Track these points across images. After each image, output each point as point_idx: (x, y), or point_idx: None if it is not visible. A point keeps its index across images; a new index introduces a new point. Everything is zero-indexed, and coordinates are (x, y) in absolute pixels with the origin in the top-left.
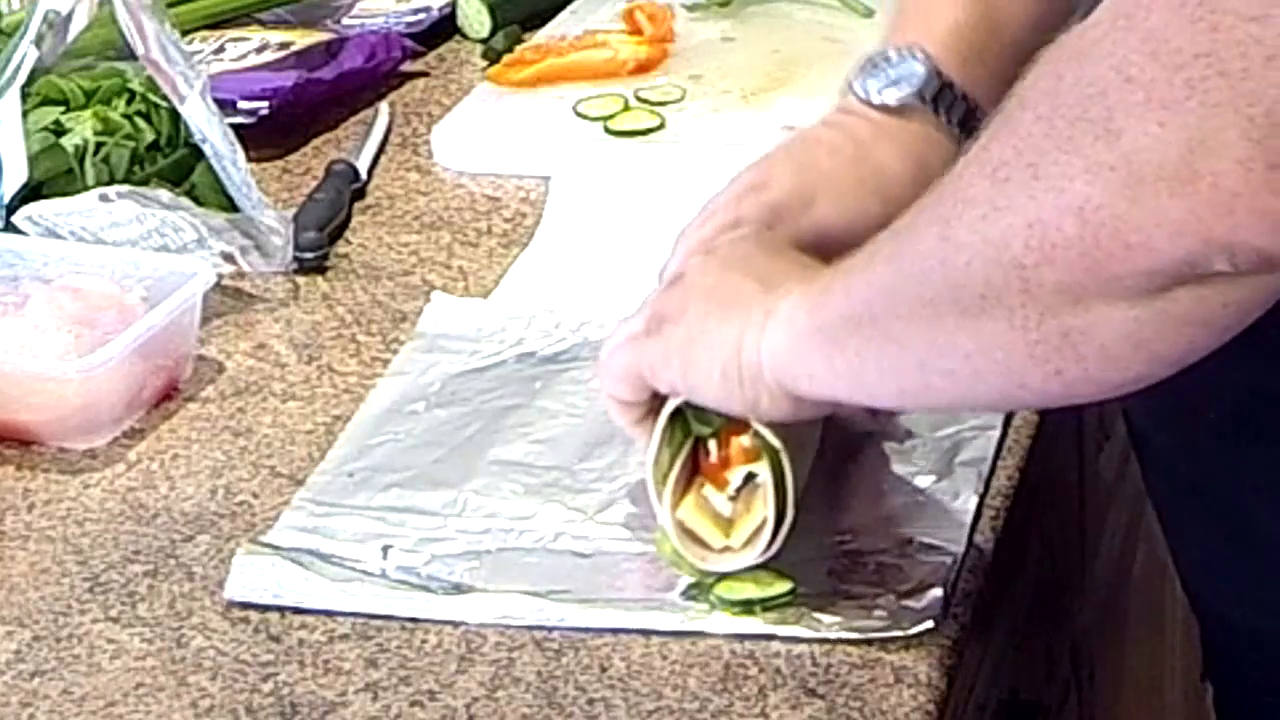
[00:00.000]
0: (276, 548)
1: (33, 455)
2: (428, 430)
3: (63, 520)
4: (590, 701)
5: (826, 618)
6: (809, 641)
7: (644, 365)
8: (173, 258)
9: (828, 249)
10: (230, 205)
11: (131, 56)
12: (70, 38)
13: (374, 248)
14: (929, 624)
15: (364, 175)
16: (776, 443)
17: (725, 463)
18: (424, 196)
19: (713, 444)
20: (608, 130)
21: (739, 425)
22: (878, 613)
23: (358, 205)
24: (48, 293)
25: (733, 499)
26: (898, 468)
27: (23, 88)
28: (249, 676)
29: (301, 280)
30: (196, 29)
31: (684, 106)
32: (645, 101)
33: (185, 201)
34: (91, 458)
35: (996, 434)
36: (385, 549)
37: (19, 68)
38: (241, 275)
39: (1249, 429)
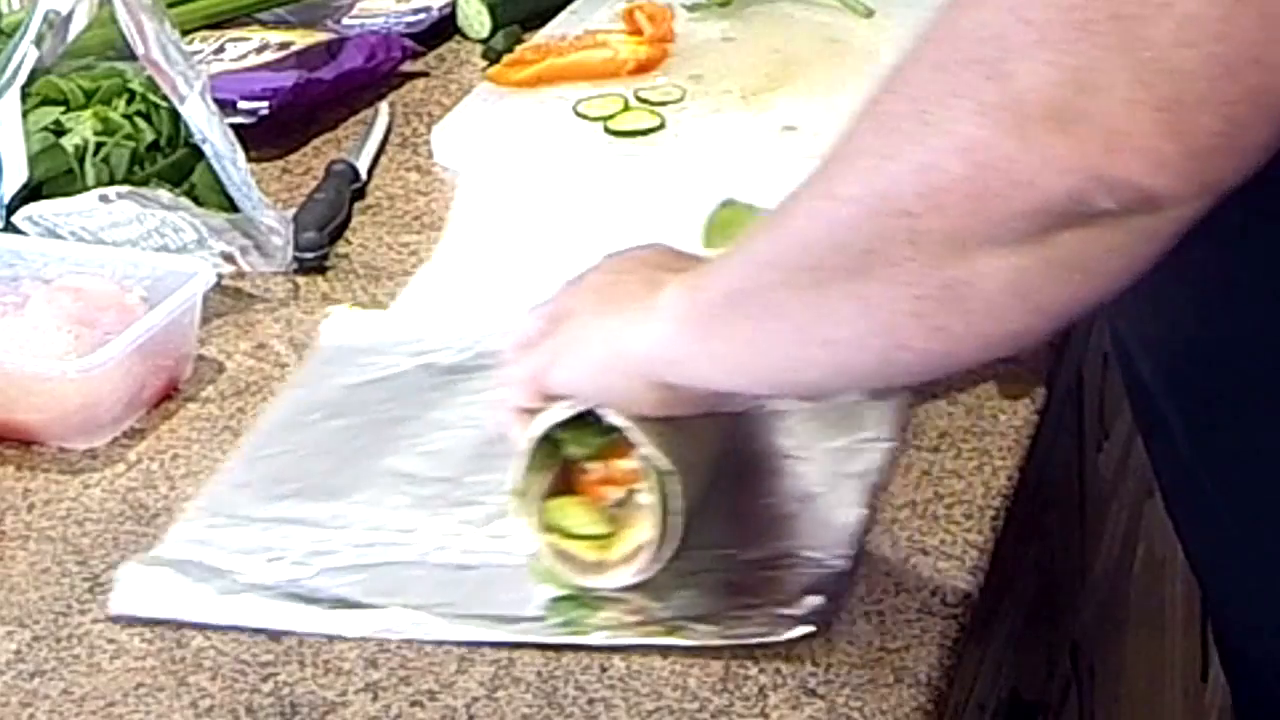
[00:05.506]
0: (165, 560)
1: (33, 455)
2: (322, 441)
3: (63, 520)
4: (590, 701)
5: (703, 627)
6: (807, 640)
7: (536, 367)
8: (173, 258)
9: None
10: (230, 205)
11: (131, 56)
12: (70, 38)
13: (374, 248)
14: (808, 629)
15: (364, 175)
16: (664, 464)
17: (607, 481)
18: (424, 196)
19: (594, 465)
20: (608, 130)
21: (622, 446)
22: (756, 621)
23: (358, 205)
24: (48, 293)
25: (612, 517)
26: (786, 480)
27: (23, 88)
28: (249, 676)
29: (301, 280)
30: (196, 29)
31: (684, 106)
32: (645, 101)
33: (185, 201)
34: (91, 458)
35: (888, 445)
36: (272, 561)
37: (19, 68)
38: (241, 275)
39: (1249, 397)
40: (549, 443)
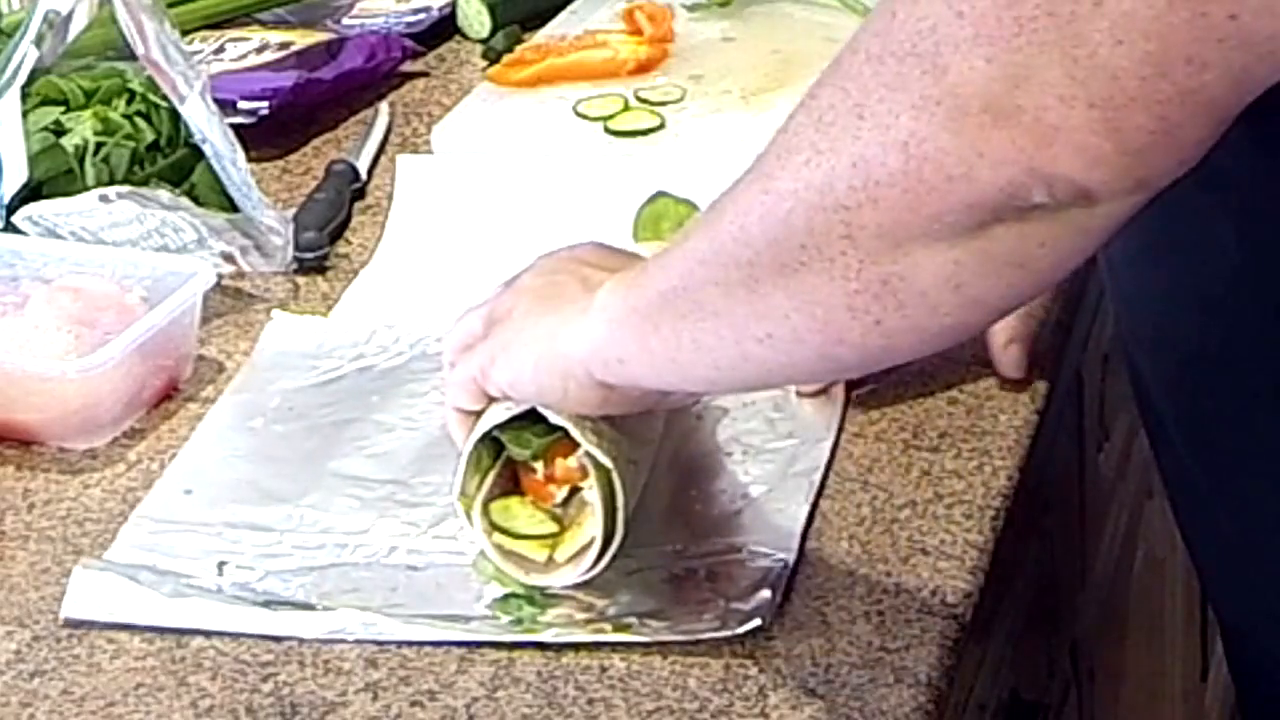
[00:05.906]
0: (113, 564)
1: (33, 455)
2: (266, 446)
3: (63, 520)
4: (590, 701)
5: (655, 623)
6: (807, 640)
7: (476, 369)
8: (173, 258)
9: None
10: (230, 205)
11: (131, 56)
12: (70, 38)
13: (374, 248)
14: (756, 622)
15: (364, 175)
16: (607, 461)
17: (550, 480)
18: None
19: (538, 464)
20: (608, 130)
21: (565, 445)
22: (707, 616)
23: (358, 205)
24: (48, 293)
25: (557, 516)
26: (730, 477)
27: (23, 88)
28: (249, 676)
29: (301, 280)
30: (196, 29)
31: (684, 106)
32: (645, 101)
33: (185, 201)
34: (91, 458)
35: (829, 444)
36: (221, 565)
37: (19, 68)
38: (241, 275)
39: (1248, 398)
40: (493, 443)
